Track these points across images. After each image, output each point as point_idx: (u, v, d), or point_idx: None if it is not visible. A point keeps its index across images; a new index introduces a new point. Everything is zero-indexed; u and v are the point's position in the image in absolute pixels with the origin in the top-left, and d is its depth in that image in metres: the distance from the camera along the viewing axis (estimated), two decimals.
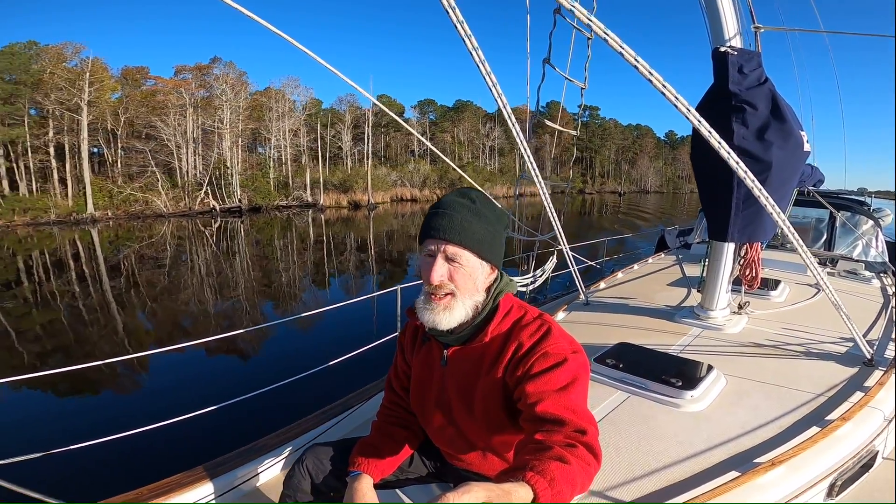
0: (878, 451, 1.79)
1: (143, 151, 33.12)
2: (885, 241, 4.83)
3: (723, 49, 2.55)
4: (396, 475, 1.41)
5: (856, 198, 5.25)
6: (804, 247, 2.09)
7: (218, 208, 33.40)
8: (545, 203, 2.77)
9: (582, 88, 3.29)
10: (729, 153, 1.65)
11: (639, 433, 1.77)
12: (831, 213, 4.74)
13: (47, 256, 17.60)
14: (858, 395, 1.97)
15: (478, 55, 1.47)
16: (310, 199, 37.81)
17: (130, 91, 35.40)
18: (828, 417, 1.81)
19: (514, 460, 0.95)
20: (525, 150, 2.25)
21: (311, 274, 14.07)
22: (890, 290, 3.83)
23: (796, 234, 2.06)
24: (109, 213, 29.53)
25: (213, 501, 1.69)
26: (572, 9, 1.23)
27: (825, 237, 4.99)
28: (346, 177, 41.95)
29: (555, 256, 3.76)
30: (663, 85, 1.39)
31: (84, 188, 29.30)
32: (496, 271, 1.23)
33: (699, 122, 1.50)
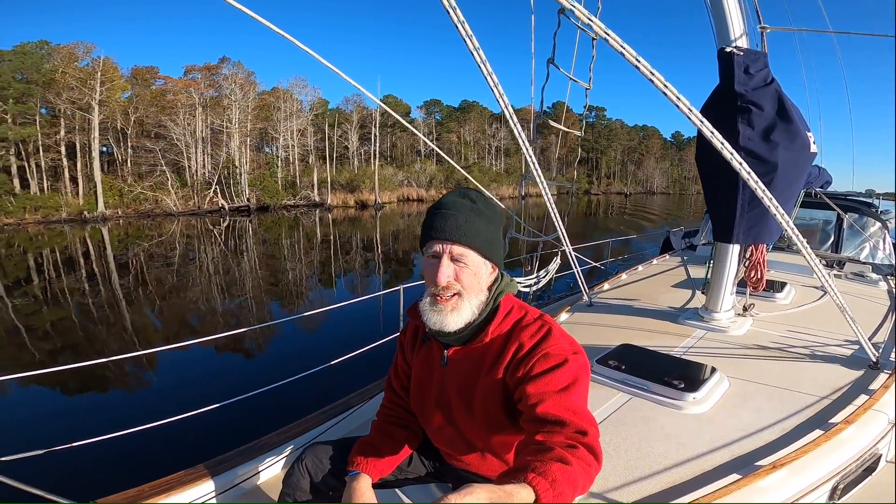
0: (881, 455, 1.77)
1: (152, 150, 33.45)
2: (893, 244, 4.77)
3: (728, 49, 2.54)
4: (395, 475, 1.42)
5: (863, 199, 5.19)
6: (808, 248, 2.08)
7: (227, 207, 33.64)
8: (548, 204, 2.76)
9: (587, 89, 3.28)
10: (732, 154, 1.64)
11: (640, 435, 1.76)
12: (838, 214, 4.70)
13: (58, 254, 17.81)
14: (863, 398, 1.96)
15: (479, 55, 1.48)
16: (317, 199, 37.97)
17: (140, 91, 35.71)
18: (831, 420, 1.80)
19: (514, 461, 0.96)
20: (527, 149, 2.25)
21: (318, 273, 14.13)
22: None
23: (801, 236, 2.04)
24: (120, 212, 29.83)
25: (214, 499, 1.70)
26: (573, 8, 1.23)
27: (832, 239, 4.94)
28: (352, 176, 42.10)
29: (558, 257, 3.75)
30: (665, 85, 1.39)
31: (95, 187, 29.62)
32: (497, 270, 1.23)
33: (701, 122, 1.50)
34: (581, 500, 1.40)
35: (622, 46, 1.29)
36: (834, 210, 4.56)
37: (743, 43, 2.59)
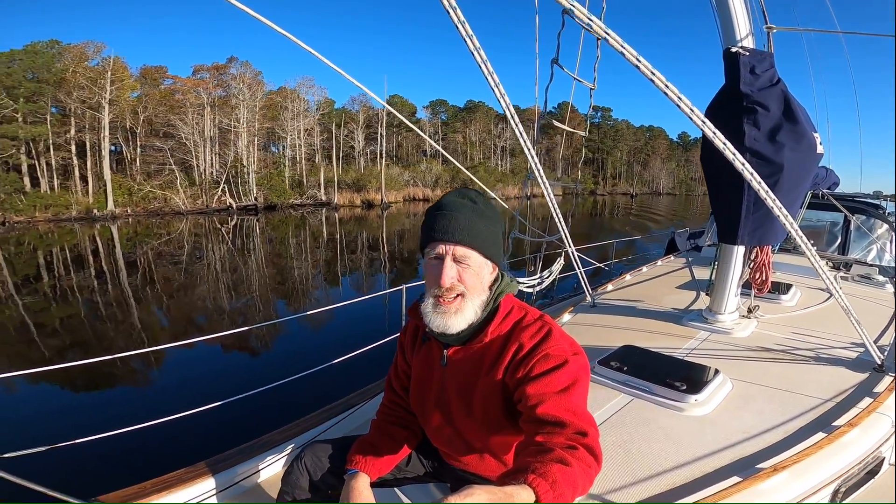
0: (884, 458, 1.75)
1: (161, 149, 33.76)
2: None
3: (734, 49, 2.52)
4: (394, 474, 1.42)
5: (871, 201, 5.14)
6: (812, 250, 2.06)
7: (234, 206, 33.89)
8: (550, 204, 2.76)
9: (591, 89, 3.27)
10: (735, 154, 1.62)
11: (640, 436, 1.76)
12: (846, 216, 4.65)
13: (67, 252, 18.01)
14: (867, 400, 1.94)
15: (480, 55, 1.48)
16: (324, 198, 38.15)
17: (149, 90, 36.01)
18: (834, 423, 1.79)
19: (514, 462, 0.96)
20: (529, 150, 2.24)
21: (324, 272, 14.19)
22: None
23: (804, 238, 2.03)
24: (129, 210, 30.13)
25: (215, 497, 1.72)
26: (573, 8, 1.23)
27: (839, 241, 4.89)
28: (359, 176, 42.23)
29: (562, 258, 3.74)
30: (666, 85, 1.38)
31: (104, 185, 29.93)
32: (497, 270, 1.23)
33: (703, 122, 1.49)
34: (581, 500, 1.40)
35: (622, 46, 1.29)
36: (841, 212, 4.52)
37: (749, 43, 2.57)
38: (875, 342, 2.29)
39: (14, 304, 10.04)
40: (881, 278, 4.14)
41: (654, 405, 1.98)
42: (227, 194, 34.43)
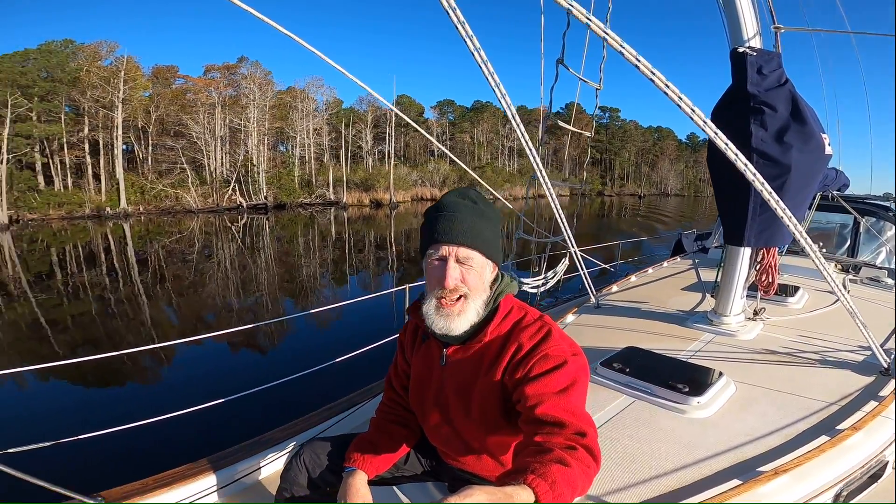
0: (888, 462, 1.73)
1: (173, 148, 34.15)
2: None
3: (741, 50, 2.50)
4: (392, 472, 1.42)
5: (881, 203, 5.06)
6: (817, 251, 2.04)
7: (244, 205, 34.18)
8: (553, 205, 2.75)
9: (597, 89, 3.26)
10: (737, 155, 1.61)
11: (641, 438, 1.75)
12: (855, 218, 4.59)
13: (80, 250, 18.26)
14: (872, 404, 1.92)
15: (480, 55, 1.48)
16: (332, 198, 38.34)
17: (161, 89, 36.41)
18: (838, 426, 1.77)
19: (514, 462, 0.96)
20: (530, 150, 2.24)
21: (332, 271, 14.26)
22: None
23: (809, 240, 2.01)
24: (141, 208, 30.50)
25: (216, 493, 1.74)
26: (571, 7, 1.22)
27: (849, 243, 4.83)
28: (367, 176, 42.37)
29: (567, 258, 3.73)
30: (666, 84, 1.37)
31: (117, 184, 30.31)
32: (497, 269, 1.24)
33: (704, 122, 1.47)
34: (580, 500, 1.40)
35: (622, 46, 1.28)
36: (851, 214, 4.46)
37: (756, 43, 2.54)
38: (882, 345, 2.26)
39: (27, 301, 10.19)
40: (890, 281, 4.08)
41: (655, 407, 1.97)
42: (238, 193, 34.74)
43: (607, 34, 1.26)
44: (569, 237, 3.11)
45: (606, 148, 72.56)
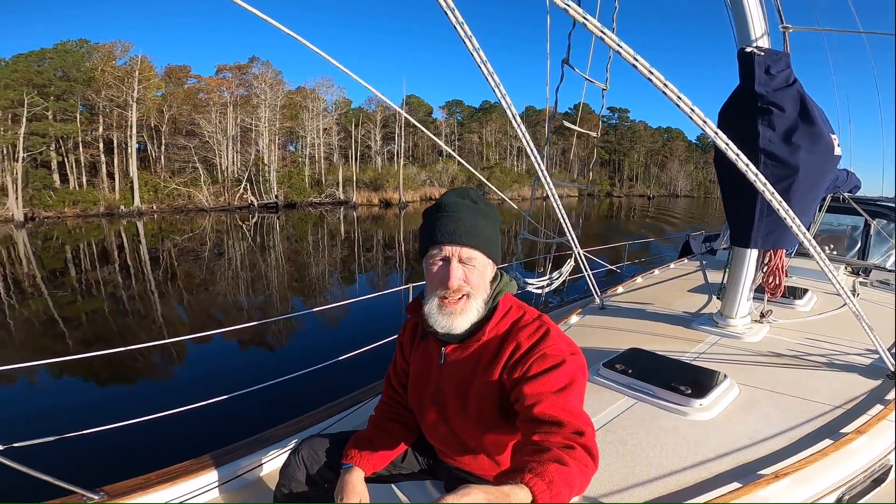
0: (891, 466, 1.70)
1: (185, 147, 34.54)
2: None
3: (749, 49, 2.47)
4: (389, 470, 1.43)
5: (893, 205, 4.97)
6: (821, 253, 2.01)
7: (256, 203, 34.49)
8: (555, 205, 2.74)
9: (603, 90, 3.24)
10: (738, 155, 1.59)
11: (641, 440, 1.74)
12: (866, 220, 4.51)
13: (94, 247, 18.54)
14: (878, 408, 1.89)
15: (479, 55, 1.48)
16: (342, 197, 38.54)
17: (173, 89, 36.84)
18: (842, 430, 1.74)
19: (511, 461, 0.97)
20: (531, 149, 2.24)
21: (340, 269, 14.34)
22: None
23: (813, 241, 1.98)
24: (154, 207, 30.91)
25: (218, 489, 1.76)
26: (567, 7, 1.22)
27: (859, 245, 4.75)
28: (376, 175, 42.51)
29: (572, 259, 3.72)
30: (664, 84, 1.36)
31: (131, 182, 30.74)
32: (496, 268, 1.24)
33: (704, 122, 1.46)
34: (578, 501, 1.39)
35: (619, 45, 1.28)
36: (861, 215, 4.39)
37: (764, 43, 2.51)
38: (889, 349, 2.23)
39: (42, 298, 10.36)
40: None
41: (657, 409, 1.95)
42: (249, 192, 35.08)
43: (604, 33, 1.26)
44: (572, 238, 3.10)
45: (615, 149, 71.97)
